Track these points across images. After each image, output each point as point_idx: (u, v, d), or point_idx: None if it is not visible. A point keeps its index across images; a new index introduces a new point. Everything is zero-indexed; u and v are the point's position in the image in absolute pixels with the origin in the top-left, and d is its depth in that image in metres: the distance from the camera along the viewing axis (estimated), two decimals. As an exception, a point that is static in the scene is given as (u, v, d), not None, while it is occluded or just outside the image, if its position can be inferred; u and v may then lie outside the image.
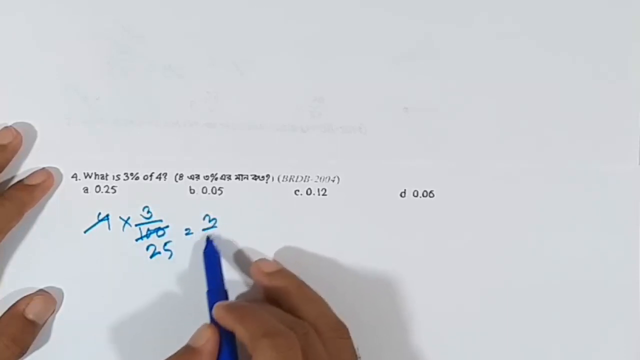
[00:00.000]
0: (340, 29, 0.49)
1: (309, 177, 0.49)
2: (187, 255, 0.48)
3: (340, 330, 0.45)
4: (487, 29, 0.50)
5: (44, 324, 0.47)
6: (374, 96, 0.49)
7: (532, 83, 0.50)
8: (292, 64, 0.49)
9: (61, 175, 0.48)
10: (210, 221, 0.48)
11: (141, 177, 0.48)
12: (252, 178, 0.49)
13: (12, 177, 0.47)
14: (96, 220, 0.48)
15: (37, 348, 0.47)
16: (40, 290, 0.47)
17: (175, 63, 0.48)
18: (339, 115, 0.49)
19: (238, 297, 0.48)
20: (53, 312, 0.47)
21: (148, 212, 0.48)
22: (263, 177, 0.49)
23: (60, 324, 0.48)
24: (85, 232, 0.48)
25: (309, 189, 0.49)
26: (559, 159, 0.50)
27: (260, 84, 0.49)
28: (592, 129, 0.50)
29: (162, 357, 0.44)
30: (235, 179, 0.49)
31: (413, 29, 0.49)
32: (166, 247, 0.48)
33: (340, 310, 0.46)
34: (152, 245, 0.48)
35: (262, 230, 0.49)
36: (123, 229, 0.48)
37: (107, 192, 0.48)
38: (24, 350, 0.46)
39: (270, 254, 0.49)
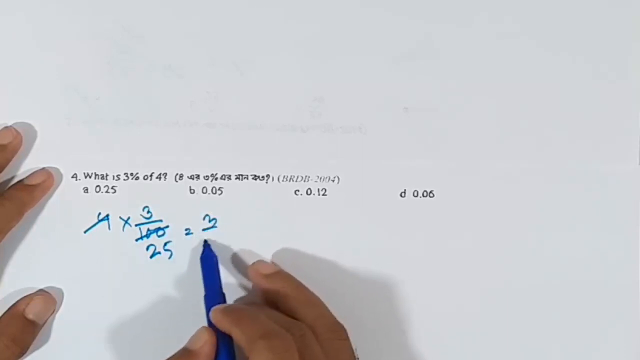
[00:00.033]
0: (340, 29, 0.49)
1: (309, 177, 0.49)
2: (187, 255, 0.48)
3: (339, 332, 0.45)
4: (487, 29, 0.50)
5: (44, 324, 0.47)
6: (374, 96, 0.49)
7: (532, 83, 0.50)
8: (292, 64, 0.49)
9: (61, 175, 0.48)
10: (210, 221, 0.48)
11: (141, 177, 0.48)
12: (252, 178, 0.49)
13: (12, 177, 0.47)
14: (96, 220, 0.48)
15: (37, 348, 0.47)
16: (40, 290, 0.47)
17: (175, 63, 0.48)
18: (339, 115, 0.49)
19: (236, 300, 0.48)
20: (53, 312, 0.47)
21: (148, 212, 0.48)
22: (263, 177, 0.49)
23: (60, 324, 0.48)
24: (85, 232, 0.48)
25: (309, 189, 0.49)
26: (559, 159, 0.50)
27: (260, 84, 0.49)
28: (592, 129, 0.50)
29: (162, 357, 0.44)
30: (235, 179, 0.49)
31: (413, 29, 0.49)
32: (166, 247, 0.48)
33: (340, 311, 0.46)
34: (152, 245, 0.48)
35: (262, 230, 0.49)
36: (123, 229, 0.48)
37: (107, 192, 0.48)
38: (24, 350, 0.46)
39: (270, 254, 0.49)
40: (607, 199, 0.50)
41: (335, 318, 0.46)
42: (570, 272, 0.50)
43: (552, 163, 0.50)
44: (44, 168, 0.47)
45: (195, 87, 0.48)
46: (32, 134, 0.47)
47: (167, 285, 0.48)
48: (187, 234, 0.48)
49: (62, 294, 0.48)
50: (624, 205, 0.51)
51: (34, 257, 0.47)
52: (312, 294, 0.47)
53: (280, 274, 0.47)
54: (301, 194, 0.49)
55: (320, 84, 0.49)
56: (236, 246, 0.49)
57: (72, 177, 0.48)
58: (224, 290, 0.47)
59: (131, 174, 0.48)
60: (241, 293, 0.49)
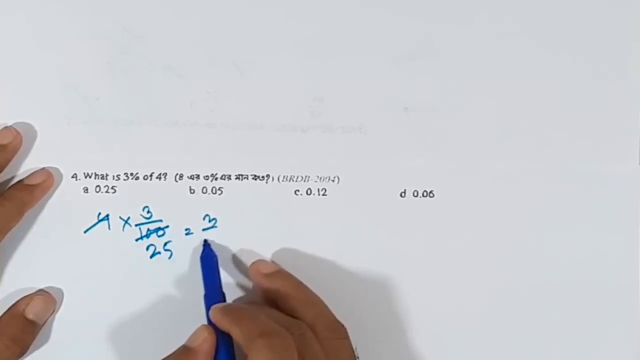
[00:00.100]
0: (340, 29, 0.49)
1: (309, 177, 0.49)
2: (187, 255, 0.48)
3: (339, 331, 0.45)
4: (487, 29, 0.50)
5: (44, 324, 0.47)
6: (374, 96, 0.49)
7: (532, 83, 0.50)
8: (292, 64, 0.49)
9: (61, 175, 0.48)
10: (210, 221, 0.48)
11: (141, 177, 0.48)
12: (252, 178, 0.49)
13: (12, 177, 0.47)
14: (96, 220, 0.48)
15: (37, 348, 0.47)
16: (40, 290, 0.47)
17: (175, 63, 0.48)
18: (339, 115, 0.49)
19: (236, 300, 0.48)
20: (53, 312, 0.47)
21: (148, 212, 0.48)
22: (263, 177, 0.49)
23: (60, 324, 0.47)
24: (85, 232, 0.48)
25: (309, 189, 0.49)
26: (559, 159, 0.50)
27: (260, 84, 0.49)
28: (592, 129, 0.50)
29: (162, 357, 0.44)
30: (235, 179, 0.49)
31: (413, 29, 0.49)
32: (166, 247, 0.48)
33: (340, 310, 0.46)
34: (152, 245, 0.48)
35: (262, 230, 0.49)
36: (123, 229, 0.48)
37: (107, 192, 0.48)
38: (24, 350, 0.46)
39: (270, 254, 0.49)
40: (607, 199, 0.50)
41: (335, 317, 0.46)
42: (570, 272, 0.50)
43: (552, 163, 0.50)
44: (44, 168, 0.47)
45: (195, 87, 0.48)
46: (32, 134, 0.47)
47: (167, 285, 0.48)
48: (187, 234, 0.48)
49: (62, 294, 0.48)
50: (624, 205, 0.51)
51: (34, 257, 0.47)
52: (312, 293, 0.47)
53: (280, 273, 0.47)
54: (301, 194, 0.49)
55: (320, 84, 0.49)
56: (236, 246, 0.49)
57: (72, 177, 0.48)
58: (224, 290, 0.47)
59: (131, 174, 0.48)
60: (241, 293, 0.49)
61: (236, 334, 0.43)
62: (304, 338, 0.43)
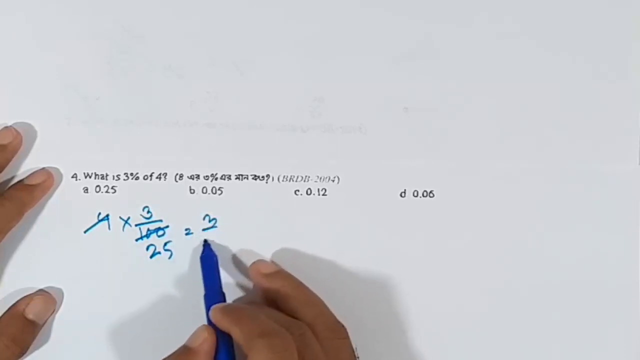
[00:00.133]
0: (340, 29, 0.49)
1: (309, 177, 0.49)
2: (187, 255, 0.48)
3: (339, 331, 0.45)
4: (487, 29, 0.50)
5: (44, 324, 0.47)
6: (374, 96, 0.49)
7: (532, 83, 0.50)
8: (292, 64, 0.49)
9: (61, 175, 0.48)
10: (210, 221, 0.48)
11: (141, 177, 0.48)
12: (252, 178, 0.49)
13: (12, 177, 0.47)
14: (96, 220, 0.48)
15: (37, 348, 0.47)
16: (40, 290, 0.47)
17: (175, 63, 0.48)
18: (339, 115, 0.49)
19: (236, 300, 0.48)
20: (53, 312, 0.47)
21: (148, 212, 0.48)
22: (263, 177, 0.49)
23: (60, 324, 0.47)
24: (85, 232, 0.48)
25: (309, 189, 0.49)
26: (559, 159, 0.50)
27: (260, 84, 0.49)
28: (592, 129, 0.50)
29: (162, 357, 0.44)
30: (235, 179, 0.49)
31: (413, 29, 0.49)
32: (166, 247, 0.48)
33: (340, 310, 0.46)
34: (152, 245, 0.48)
35: (262, 230, 0.49)
36: (123, 229, 0.48)
37: (107, 192, 0.48)
38: (24, 350, 0.46)
39: (270, 254, 0.49)
40: (607, 199, 0.50)
41: (335, 317, 0.46)
42: (570, 272, 0.50)
43: (552, 163, 0.50)
44: (44, 168, 0.47)
45: (195, 87, 0.48)
46: (32, 134, 0.47)
47: (167, 285, 0.48)
48: (187, 234, 0.48)
49: (62, 294, 0.48)
50: (624, 205, 0.51)
51: (34, 257, 0.47)
52: (312, 294, 0.47)
53: (280, 274, 0.47)
54: (301, 194, 0.49)
55: (320, 84, 0.49)
56: (236, 246, 0.49)
57: (72, 177, 0.48)
58: (224, 290, 0.47)
59: (131, 174, 0.48)
60: (241, 293, 0.49)
61: (236, 334, 0.43)
62: (304, 338, 0.43)
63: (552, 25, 0.50)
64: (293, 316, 0.45)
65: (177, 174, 0.48)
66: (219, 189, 0.49)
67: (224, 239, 0.48)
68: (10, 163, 0.47)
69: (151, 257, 0.48)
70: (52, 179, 0.47)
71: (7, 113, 0.47)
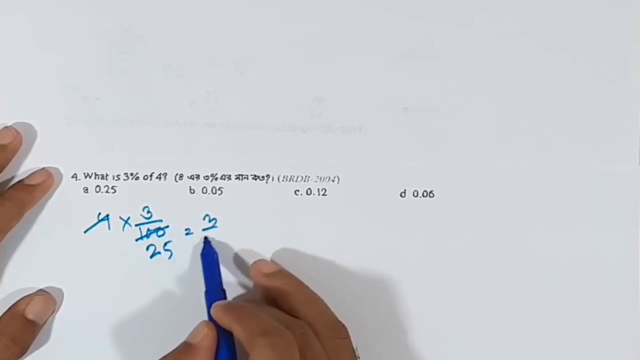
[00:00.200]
0: (340, 29, 0.49)
1: (309, 177, 0.49)
2: (187, 255, 0.48)
3: (339, 330, 0.45)
4: (487, 29, 0.50)
5: (44, 324, 0.47)
6: (374, 96, 0.49)
7: (532, 83, 0.50)
8: (292, 64, 0.49)
9: (61, 175, 0.48)
10: (210, 221, 0.48)
11: (141, 177, 0.48)
12: (252, 178, 0.49)
13: (12, 177, 0.47)
14: (96, 220, 0.48)
15: (37, 348, 0.47)
16: (40, 290, 0.47)
17: (175, 63, 0.48)
18: (339, 115, 0.49)
19: (236, 298, 0.48)
20: (53, 312, 0.47)
21: (148, 212, 0.48)
22: (263, 177, 0.49)
23: (60, 324, 0.48)
24: (85, 232, 0.48)
25: (309, 189, 0.49)
26: (559, 159, 0.50)
27: (260, 84, 0.49)
28: (592, 129, 0.50)
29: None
30: (235, 179, 0.49)
31: (413, 29, 0.49)
32: (166, 247, 0.48)
33: (340, 310, 0.46)
34: (152, 245, 0.48)
35: (262, 230, 0.49)
36: (123, 229, 0.48)
37: (107, 192, 0.48)
38: (24, 350, 0.46)
39: (270, 254, 0.49)
40: (607, 199, 0.50)
41: (335, 317, 0.46)
42: (570, 272, 0.50)
43: (552, 163, 0.50)
44: (44, 168, 0.47)
45: (195, 87, 0.48)
46: (32, 134, 0.47)
47: (167, 285, 0.48)
48: (187, 234, 0.48)
49: (62, 294, 0.48)
50: (624, 205, 0.51)
51: (34, 257, 0.47)
52: (313, 293, 0.47)
53: (281, 273, 0.47)
54: (301, 194, 0.49)
55: (320, 84, 0.49)
56: (236, 246, 0.49)
57: (72, 177, 0.48)
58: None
59: (131, 174, 0.48)
60: (241, 292, 0.49)
61: (237, 331, 0.43)
62: (305, 337, 0.43)
63: (552, 25, 0.50)
64: (294, 315, 0.45)
65: (177, 174, 0.48)
66: (219, 189, 0.49)
67: (224, 239, 0.48)
68: (10, 163, 0.47)
69: (151, 257, 0.48)
70: (52, 179, 0.47)
71: (7, 113, 0.47)
